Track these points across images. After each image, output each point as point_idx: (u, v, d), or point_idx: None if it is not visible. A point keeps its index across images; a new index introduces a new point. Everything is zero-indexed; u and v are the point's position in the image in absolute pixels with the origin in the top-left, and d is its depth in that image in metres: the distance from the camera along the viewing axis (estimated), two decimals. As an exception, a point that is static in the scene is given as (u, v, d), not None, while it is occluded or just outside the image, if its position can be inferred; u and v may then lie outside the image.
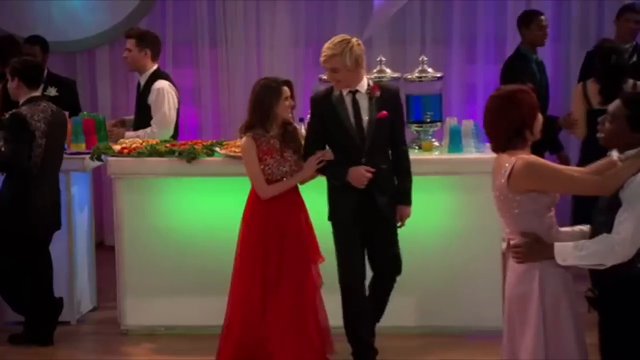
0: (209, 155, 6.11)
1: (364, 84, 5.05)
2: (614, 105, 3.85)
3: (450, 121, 6.15)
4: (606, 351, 3.85)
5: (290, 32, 8.59)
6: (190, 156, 6.01)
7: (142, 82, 6.88)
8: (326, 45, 5.01)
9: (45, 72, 7.38)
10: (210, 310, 6.05)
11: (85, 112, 7.07)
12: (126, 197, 6.28)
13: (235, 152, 6.07)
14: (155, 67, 6.88)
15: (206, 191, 6.26)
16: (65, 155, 6.28)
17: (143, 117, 6.86)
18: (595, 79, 6.37)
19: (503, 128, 3.83)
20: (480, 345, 5.76)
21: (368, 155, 5.00)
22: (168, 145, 6.24)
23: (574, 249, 3.72)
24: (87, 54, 8.79)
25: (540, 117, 3.91)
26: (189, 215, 6.37)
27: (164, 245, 6.28)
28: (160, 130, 6.70)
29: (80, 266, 6.66)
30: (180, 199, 6.33)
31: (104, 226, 8.13)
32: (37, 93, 6.13)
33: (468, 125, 6.09)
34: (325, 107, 5.06)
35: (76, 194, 6.59)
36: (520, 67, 6.93)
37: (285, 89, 5.09)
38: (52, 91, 7.33)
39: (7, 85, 6.22)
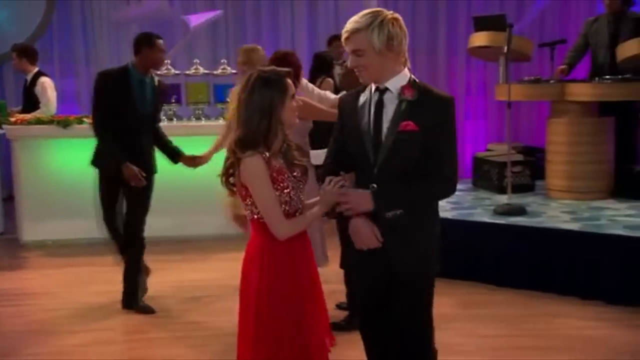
0: (79, 124, 7.49)
1: (396, 82, 3.24)
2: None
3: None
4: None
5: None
6: (65, 124, 7.47)
7: (29, 80, 8.35)
8: (351, 18, 3.25)
9: None
10: (80, 227, 7.49)
11: (-10, 99, 8.41)
12: (20, 154, 7.65)
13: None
14: (36, 69, 8.36)
15: (76, 148, 7.29)
16: (-26, 127, 7.67)
17: (29, 104, 8.27)
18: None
19: None
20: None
21: (379, 182, 3.22)
22: (50, 117, 7.69)
23: None
24: (-1, 64, 10.20)
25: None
26: (64, 164, 7.58)
27: (48, 185, 7.54)
28: (47, 108, 8.13)
29: (-10, 204, 8.09)
30: (58, 153, 7.57)
31: (13, 183, 8.43)
32: None
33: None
34: (350, 108, 3.34)
35: (-17, 155, 7.92)
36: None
37: (290, 83, 3.23)
38: None
39: None
